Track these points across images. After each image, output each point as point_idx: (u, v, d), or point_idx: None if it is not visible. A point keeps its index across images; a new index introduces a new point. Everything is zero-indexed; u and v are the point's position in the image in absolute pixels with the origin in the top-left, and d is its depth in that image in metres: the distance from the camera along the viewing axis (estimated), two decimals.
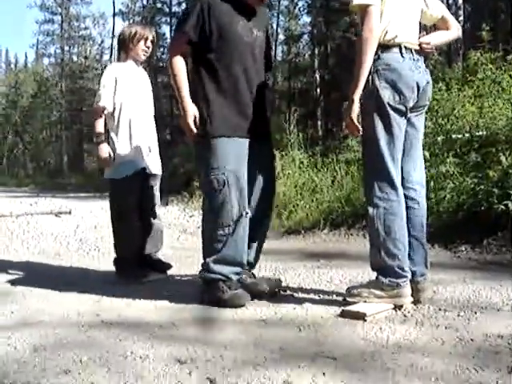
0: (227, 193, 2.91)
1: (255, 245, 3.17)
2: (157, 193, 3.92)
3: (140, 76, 3.91)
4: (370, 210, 2.78)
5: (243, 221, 2.96)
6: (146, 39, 3.82)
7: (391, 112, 2.73)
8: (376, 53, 2.73)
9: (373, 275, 2.76)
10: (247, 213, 2.98)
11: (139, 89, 3.87)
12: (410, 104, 2.80)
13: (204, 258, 3.03)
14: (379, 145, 2.73)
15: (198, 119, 2.96)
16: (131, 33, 3.79)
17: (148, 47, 3.85)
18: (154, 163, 3.87)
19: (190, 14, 3.02)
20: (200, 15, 2.98)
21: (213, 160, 2.94)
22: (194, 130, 2.96)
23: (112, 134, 3.78)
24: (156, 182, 3.91)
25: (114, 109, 3.75)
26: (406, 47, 2.79)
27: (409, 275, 2.79)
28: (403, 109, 2.77)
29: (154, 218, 3.89)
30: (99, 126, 3.74)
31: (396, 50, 2.77)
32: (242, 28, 3.04)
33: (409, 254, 2.80)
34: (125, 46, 3.82)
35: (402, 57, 2.77)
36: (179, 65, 3.02)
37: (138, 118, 3.80)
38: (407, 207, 2.82)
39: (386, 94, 2.72)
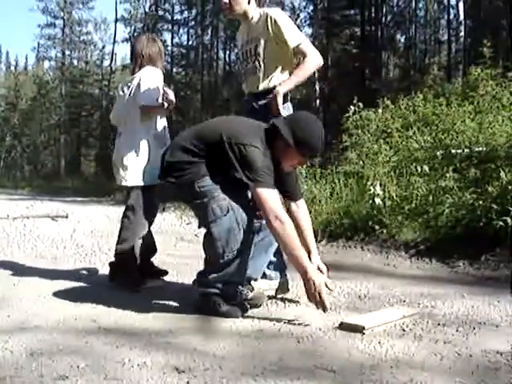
0: (233, 217, 2.84)
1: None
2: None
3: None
4: None
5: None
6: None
7: None
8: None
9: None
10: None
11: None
12: None
13: (204, 271, 2.97)
14: None
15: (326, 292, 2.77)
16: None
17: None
18: None
19: (261, 160, 2.82)
20: (270, 160, 2.88)
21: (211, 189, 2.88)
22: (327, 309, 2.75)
23: (148, 138, 3.75)
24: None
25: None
26: None
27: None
28: None
29: (150, 225, 3.88)
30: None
31: None
32: None
33: None
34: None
35: None
36: (291, 227, 2.78)
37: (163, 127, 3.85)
38: None
39: None
